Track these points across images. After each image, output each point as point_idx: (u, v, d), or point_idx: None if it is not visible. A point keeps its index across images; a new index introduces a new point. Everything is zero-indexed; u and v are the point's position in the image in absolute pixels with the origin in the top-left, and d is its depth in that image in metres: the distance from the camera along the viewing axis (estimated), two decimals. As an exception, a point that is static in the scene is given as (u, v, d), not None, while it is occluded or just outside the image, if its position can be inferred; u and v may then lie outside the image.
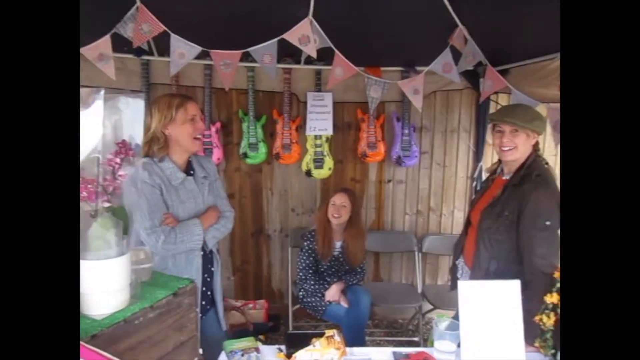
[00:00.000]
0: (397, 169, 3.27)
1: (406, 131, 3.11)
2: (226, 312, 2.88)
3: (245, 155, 3.03)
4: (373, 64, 2.96)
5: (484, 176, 2.62)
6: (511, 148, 1.69)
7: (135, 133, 1.07)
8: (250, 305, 3.02)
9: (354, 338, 2.46)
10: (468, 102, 3.20)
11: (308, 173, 3.11)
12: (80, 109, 0.98)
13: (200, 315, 1.81)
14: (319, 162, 3.09)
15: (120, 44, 2.43)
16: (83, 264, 0.98)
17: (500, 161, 1.85)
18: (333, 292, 2.60)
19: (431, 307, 2.94)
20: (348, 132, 3.20)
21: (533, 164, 1.68)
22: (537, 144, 1.74)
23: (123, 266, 1.04)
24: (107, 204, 1.04)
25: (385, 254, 3.37)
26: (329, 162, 3.10)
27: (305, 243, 2.71)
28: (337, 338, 1.48)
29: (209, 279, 1.86)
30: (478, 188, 3.09)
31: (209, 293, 1.88)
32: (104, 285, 1.00)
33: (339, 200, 2.67)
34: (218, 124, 3.01)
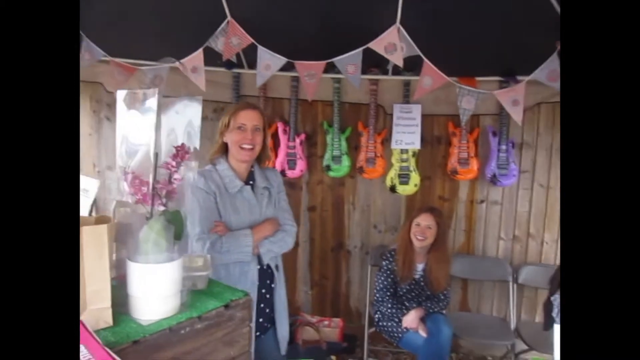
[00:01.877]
0: (491, 189, 2.97)
1: (504, 147, 2.82)
2: (300, 326, 2.83)
3: (328, 167, 2.98)
4: (467, 74, 2.74)
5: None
6: None
7: (192, 137, 1.05)
8: (326, 323, 2.93)
9: (432, 371, 2.25)
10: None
11: (392, 189, 2.95)
12: (135, 108, 0.98)
13: (257, 333, 1.75)
14: (404, 178, 2.92)
15: (214, 58, 2.54)
16: (132, 266, 0.97)
17: None
18: (411, 319, 2.40)
19: (526, 347, 2.58)
20: (437, 147, 2.99)
21: None
22: None
23: (173, 272, 1.01)
24: (162, 208, 1.03)
25: (474, 282, 3.06)
26: (415, 178, 2.92)
27: (384, 263, 2.56)
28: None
29: (267, 296, 1.79)
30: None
31: (267, 310, 1.80)
32: (152, 290, 0.98)
33: (425, 221, 2.48)
34: (303, 136, 3.00)
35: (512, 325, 2.80)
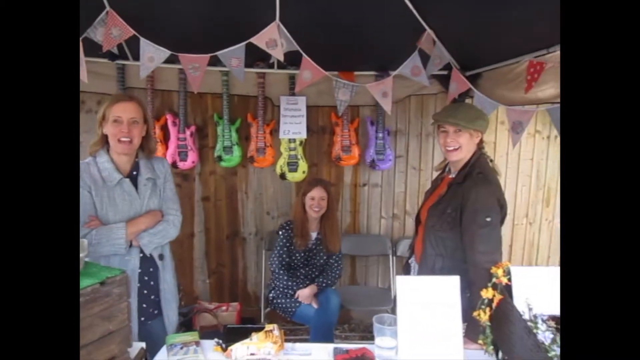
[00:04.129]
0: (372, 173, 3.29)
1: (380, 135, 3.14)
2: (198, 314, 2.89)
3: (220, 158, 3.07)
4: (347, 69, 3.01)
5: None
6: (455, 148, 1.71)
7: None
8: (223, 308, 3.02)
9: (322, 337, 2.49)
10: (442, 106, 3.22)
11: (282, 176, 3.13)
12: None
13: (142, 319, 1.79)
14: (293, 166, 3.12)
15: (96, 49, 2.48)
16: None
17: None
18: (306, 294, 2.60)
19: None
20: (322, 136, 3.23)
21: (477, 162, 1.70)
22: (481, 142, 1.76)
23: (43, 253, 1.06)
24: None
25: (361, 258, 3.38)
26: (303, 165, 3.12)
27: (281, 232, 2.73)
28: (276, 332, 1.49)
29: (151, 283, 1.81)
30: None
31: (152, 297, 1.82)
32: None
33: (318, 193, 2.69)
34: (193, 128, 3.04)
35: (393, 293, 3.15)
